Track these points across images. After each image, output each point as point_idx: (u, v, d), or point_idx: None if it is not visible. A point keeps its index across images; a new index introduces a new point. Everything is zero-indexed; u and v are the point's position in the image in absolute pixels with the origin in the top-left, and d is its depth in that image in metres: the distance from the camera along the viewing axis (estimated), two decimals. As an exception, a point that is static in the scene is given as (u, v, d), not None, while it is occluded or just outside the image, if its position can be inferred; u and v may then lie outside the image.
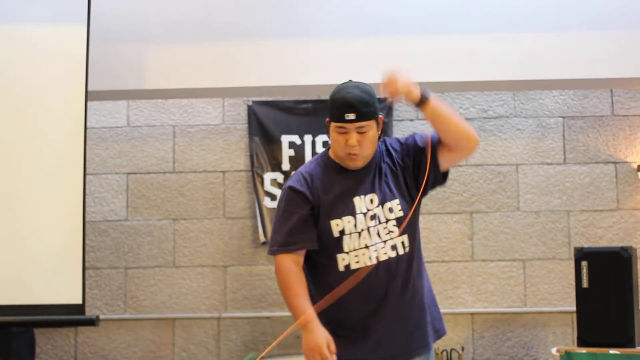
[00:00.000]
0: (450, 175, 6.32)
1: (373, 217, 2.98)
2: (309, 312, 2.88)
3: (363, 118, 2.92)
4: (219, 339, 6.19)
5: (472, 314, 6.14)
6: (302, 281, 2.97)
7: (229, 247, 6.25)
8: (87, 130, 5.20)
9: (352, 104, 2.91)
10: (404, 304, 2.99)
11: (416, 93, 2.97)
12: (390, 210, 3.00)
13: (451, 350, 5.91)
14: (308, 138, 6.20)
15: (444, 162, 3.06)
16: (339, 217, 2.98)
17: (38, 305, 4.95)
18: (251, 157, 6.25)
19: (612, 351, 4.75)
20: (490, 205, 6.22)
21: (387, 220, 2.99)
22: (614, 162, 6.22)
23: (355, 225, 2.98)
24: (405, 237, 3.01)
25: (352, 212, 2.99)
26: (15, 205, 5.03)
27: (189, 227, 6.27)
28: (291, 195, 3.02)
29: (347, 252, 2.97)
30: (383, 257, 2.96)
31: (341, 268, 2.98)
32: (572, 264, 5.26)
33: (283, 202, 3.04)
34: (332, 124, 2.97)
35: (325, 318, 2.95)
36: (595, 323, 4.89)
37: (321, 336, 2.85)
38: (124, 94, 5.86)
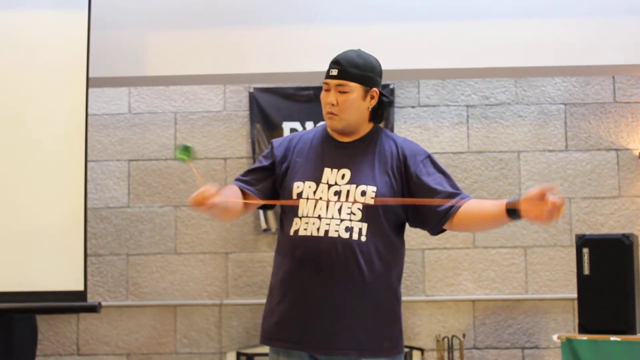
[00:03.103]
0: (451, 163, 6.38)
1: (337, 193, 2.85)
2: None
3: (345, 77, 2.86)
4: (220, 325, 6.20)
5: (473, 300, 6.15)
6: (233, 191, 2.90)
7: (230, 234, 6.25)
8: (89, 117, 5.19)
9: (337, 61, 2.89)
10: (341, 293, 2.81)
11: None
12: (363, 193, 2.84)
13: (452, 337, 5.92)
14: (309, 125, 6.20)
15: (416, 219, 2.94)
16: (302, 180, 2.90)
17: (40, 292, 4.95)
18: (252, 144, 6.24)
19: (613, 338, 4.75)
20: (491, 192, 6.22)
21: (355, 202, 2.84)
22: (616, 149, 6.22)
23: (314, 192, 2.87)
24: (365, 226, 2.83)
25: (317, 180, 2.88)
26: (17, 192, 5.03)
27: (191, 214, 6.28)
28: (269, 148, 3.04)
29: (300, 217, 2.86)
30: (332, 234, 2.80)
31: (291, 232, 2.87)
32: (573, 250, 5.26)
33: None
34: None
35: (283, 287, 2.88)
36: (596, 310, 4.89)
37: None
38: (125, 81, 5.85)
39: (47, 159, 5.07)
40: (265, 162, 3.00)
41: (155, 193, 6.31)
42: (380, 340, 2.85)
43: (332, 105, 2.88)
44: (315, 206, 2.85)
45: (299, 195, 2.88)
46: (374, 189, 2.85)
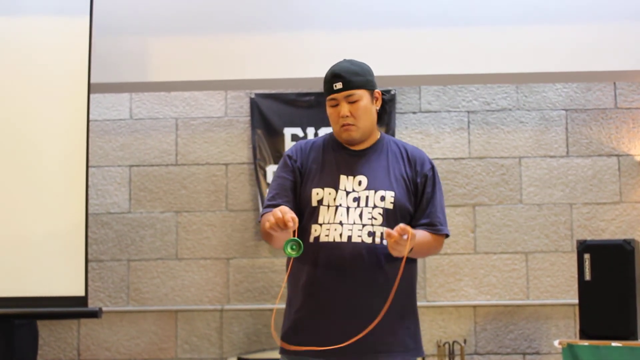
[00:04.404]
0: (453, 168, 6.39)
1: (356, 199, 2.91)
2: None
3: (351, 87, 2.92)
4: (221, 331, 6.20)
5: (474, 306, 6.14)
6: None
7: (231, 239, 6.25)
8: (90, 123, 5.19)
9: (338, 74, 2.93)
10: (366, 298, 2.85)
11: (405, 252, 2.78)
12: (382, 198, 2.92)
13: (453, 342, 5.91)
14: (311, 131, 6.20)
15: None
16: (321, 186, 2.94)
17: (41, 298, 4.95)
18: (254, 149, 6.25)
19: (614, 344, 4.74)
20: (493, 198, 6.22)
21: (375, 207, 2.91)
22: (617, 155, 6.22)
23: (334, 199, 2.91)
24: (385, 230, 2.84)
25: (335, 186, 2.94)
26: (18, 197, 5.03)
27: (192, 220, 6.28)
28: (284, 161, 3.07)
29: (320, 224, 2.91)
30: (356, 239, 2.86)
31: (311, 239, 2.91)
32: (574, 256, 5.25)
33: (277, 168, 3.10)
34: (326, 100, 2.99)
35: (303, 294, 2.91)
36: (597, 316, 4.88)
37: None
38: (127, 87, 5.86)
39: (48, 165, 5.07)
40: (290, 177, 3.03)
41: (157, 199, 6.31)
42: (405, 341, 2.93)
43: (347, 116, 2.93)
44: (335, 212, 2.90)
45: (320, 202, 2.93)
46: (392, 193, 2.93)
